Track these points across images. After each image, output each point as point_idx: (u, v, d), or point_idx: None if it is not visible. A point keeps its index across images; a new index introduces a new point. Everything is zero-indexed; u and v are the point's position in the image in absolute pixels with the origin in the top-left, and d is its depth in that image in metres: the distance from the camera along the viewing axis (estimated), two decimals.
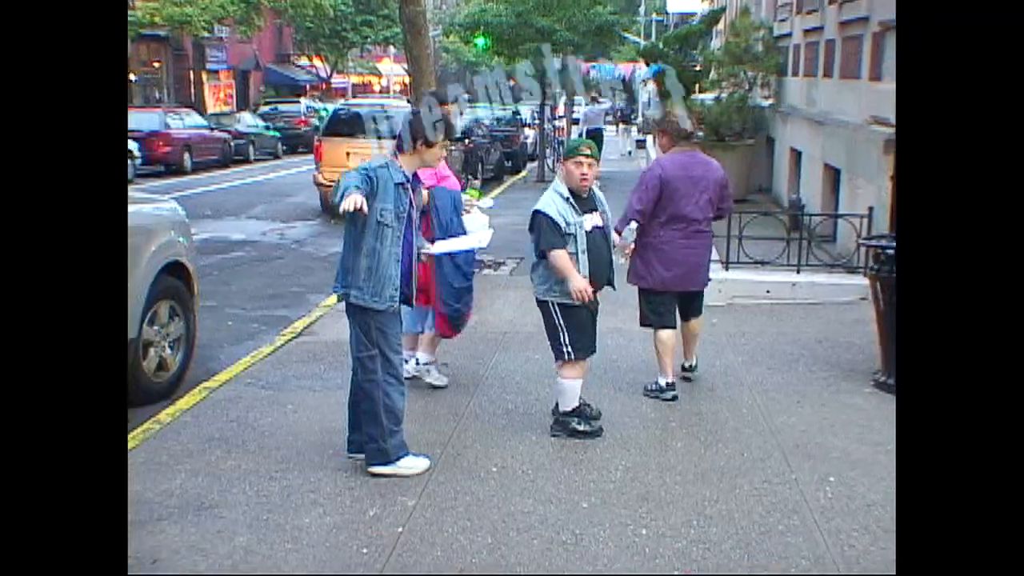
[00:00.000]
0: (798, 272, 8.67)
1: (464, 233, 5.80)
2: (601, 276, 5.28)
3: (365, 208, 4.36)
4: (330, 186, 17.29)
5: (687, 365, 6.51)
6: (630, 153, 30.41)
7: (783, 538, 4.14)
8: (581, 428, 5.37)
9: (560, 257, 5.10)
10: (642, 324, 6.28)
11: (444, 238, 5.67)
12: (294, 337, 7.59)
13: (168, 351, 6.36)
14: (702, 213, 6.02)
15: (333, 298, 9.07)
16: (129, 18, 29.17)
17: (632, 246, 5.50)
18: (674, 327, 6.18)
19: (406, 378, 5.23)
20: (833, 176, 11.38)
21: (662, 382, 6.10)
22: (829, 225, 10.52)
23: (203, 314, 7.40)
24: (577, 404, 5.39)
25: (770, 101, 16.45)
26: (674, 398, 6.04)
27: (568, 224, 5.13)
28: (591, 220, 5.23)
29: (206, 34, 31.93)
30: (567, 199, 5.19)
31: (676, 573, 3.85)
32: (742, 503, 4.50)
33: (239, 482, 4.72)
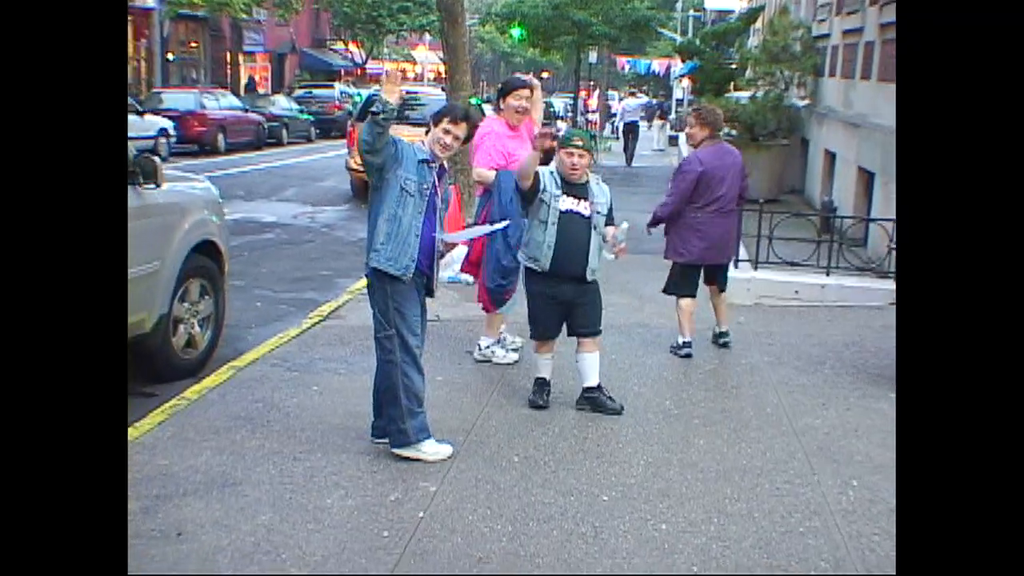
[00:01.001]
0: (828, 274, 8.62)
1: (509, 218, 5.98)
2: (569, 263, 5.46)
3: (404, 92, 4.36)
4: (361, 171, 17.31)
5: (721, 331, 7.25)
6: (663, 150, 30.31)
7: (803, 539, 4.13)
8: (533, 397, 5.73)
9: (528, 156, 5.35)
10: (665, 291, 7.16)
11: (503, 219, 5.89)
12: (321, 320, 7.64)
13: (197, 328, 6.43)
14: (732, 194, 6.85)
15: (362, 282, 9.11)
16: None
17: (623, 246, 5.57)
18: (695, 296, 6.98)
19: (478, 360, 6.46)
20: (867, 179, 11.30)
21: (680, 340, 6.94)
22: (861, 228, 10.46)
23: (232, 294, 7.47)
24: (540, 375, 5.77)
25: (806, 102, 16.35)
26: (688, 355, 6.85)
27: (546, 191, 5.42)
28: (570, 202, 5.46)
29: (244, 16, 32.07)
30: (553, 173, 5.51)
31: (695, 572, 3.85)
32: (763, 503, 4.49)
33: (263, 461, 4.77)
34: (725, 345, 7.16)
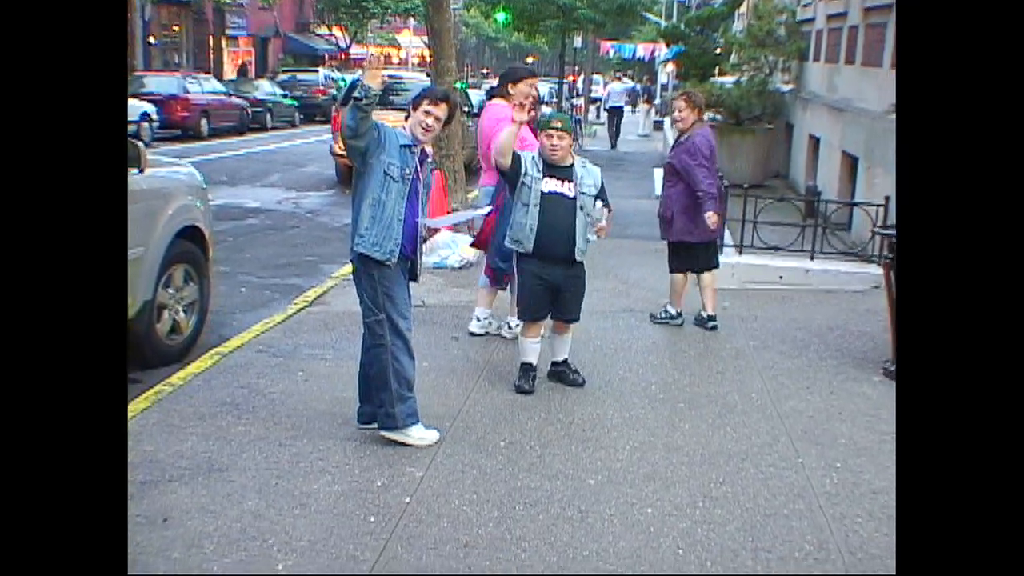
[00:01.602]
0: (812, 259, 8.66)
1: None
2: (554, 244, 5.52)
3: (386, 78, 4.39)
4: (345, 156, 17.22)
5: (708, 315, 7.35)
6: (647, 135, 30.32)
7: (788, 522, 4.16)
8: (519, 382, 5.78)
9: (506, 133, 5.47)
10: (673, 271, 7.40)
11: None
12: (306, 306, 7.63)
13: (182, 314, 6.40)
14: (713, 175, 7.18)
15: (347, 268, 9.10)
16: None
17: (603, 224, 5.61)
18: (685, 272, 7.38)
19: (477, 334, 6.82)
20: (851, 164, 11.34)
21: (672, 311, 7.39)
22: (845, 213, 10.49)
23: (217, 280, 7.44)
24: (526, 360, 5.79)
25: (790, 86, 16.37)
26: (681, 324, 7.33)
27: (527, 174, 5.52)
28: (553, 184, 5.53)
29: (227, 0, 31.83)
30: (535, 157, 5.60)
31: (680, 555, 3.87)
32: (748, 486, 4.52)
33: (249, 447, 4.76)
34: (715, 328, 7.31)
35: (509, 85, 6.66)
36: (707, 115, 16.38)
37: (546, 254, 5.55)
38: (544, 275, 5.59)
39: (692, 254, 7.23)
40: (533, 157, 5.59)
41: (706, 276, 7.29)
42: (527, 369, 5.80)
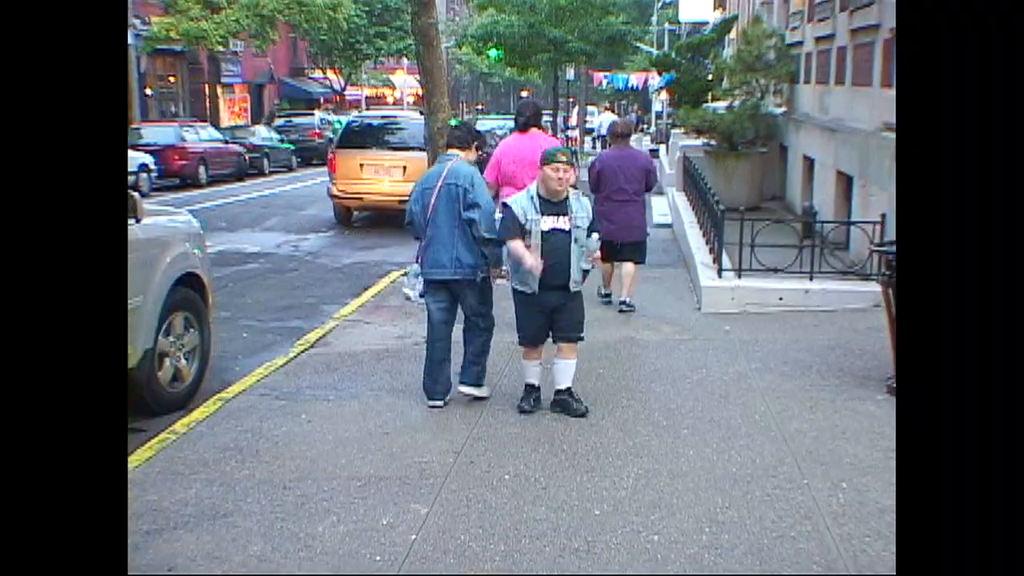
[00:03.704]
0: (811, 279, 8.66)
1: None
2: (554, 276, 5.69)
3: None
4: (343, 197, 17.24)
5: (625, 300, 8.81)
6: None
7: (795, 544, 4.14)
8: (521, 403, 6.00)
9: (514, 246, 5.71)
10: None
11: None
12: (308, 348, 7.64)
13: (183, 362, 6.42)
14: (631, 187, 8.76)
15: (347, 309, 9.14)
16: (146, 33, 29.45)
17: (597, 254, 5.90)
18: (612, 262, 8.80)
19: None
20: (846, 183, 11.37)
21: (604, 291, 9.16)
22: (842, 232, 10.50)
23: (218, 325, 7.46)
24: (528, 381, 6.05)
25: (783, 109, 16.45)
26: (610, 303, 9.04)
27: (527, 220, 5.67)
28: (551, 222, 5.69)
29: (221, 48, 32.11)
30: (532, 198, 5.74)
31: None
32: (754, 509, 4.50)
33: (253, 491, 4.76)
34: (623, 312, 8.71)
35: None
36: (700, 140, 16.57)
37: (546, 286, 5.72)
38: (540, 301, 5.78)
39: (614, 248, 8.45)
40: (530, 198, 5.73)
41: (627, 266, 8.79)
42: (529, 390, 6.00)
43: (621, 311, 8.72)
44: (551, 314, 5.83)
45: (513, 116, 9.37)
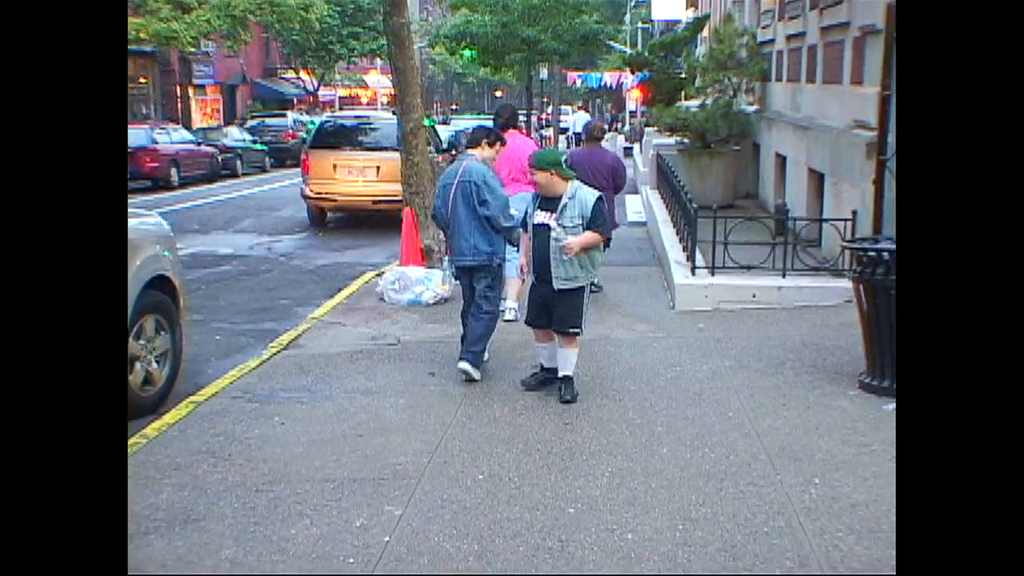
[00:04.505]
0: (784, 276, 8.70)
1: None
2: (541, 268, 6.17)
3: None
4: (317, 198, 17.25)
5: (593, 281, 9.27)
6: None
7: (768, 539, 4.16)
8: (526, 378, 6.52)
9: (523, 238, 6.51)
10: None
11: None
12: (281, 350, 7.59)
13: (155, 365, 6.36)
14: (598, 183, 8.23)
15: (321, 310, 9.09)
16: None
17: (567, 243, 5.98)
18: None
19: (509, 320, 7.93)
20: (818, 180, 11.43)
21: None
22: (814, 229, 10.55)
23: (191, 328, 7.41)
24: (538, 361, 6.58)
25: (755, 107, 16.52)
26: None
27: (527, 214, 6.32)
28: (542, 216, 6.15)
29: (193, 49, 31.91)
30: (534, 196, 6.32)
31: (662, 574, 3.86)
32: (728, 506, 4.52)
33: (226, 495, 4.72)
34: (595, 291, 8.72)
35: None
36: (673, 139, 16.59)
37: (538, 277, 6.25)
38: (535, 291, 6.33)
39: None
40: (532, 196, 6.36)
41: None
42: (536, 369, 6.54)
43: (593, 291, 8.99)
44: (547, 306, 6.23)
45: (492, 116, 10.22)
